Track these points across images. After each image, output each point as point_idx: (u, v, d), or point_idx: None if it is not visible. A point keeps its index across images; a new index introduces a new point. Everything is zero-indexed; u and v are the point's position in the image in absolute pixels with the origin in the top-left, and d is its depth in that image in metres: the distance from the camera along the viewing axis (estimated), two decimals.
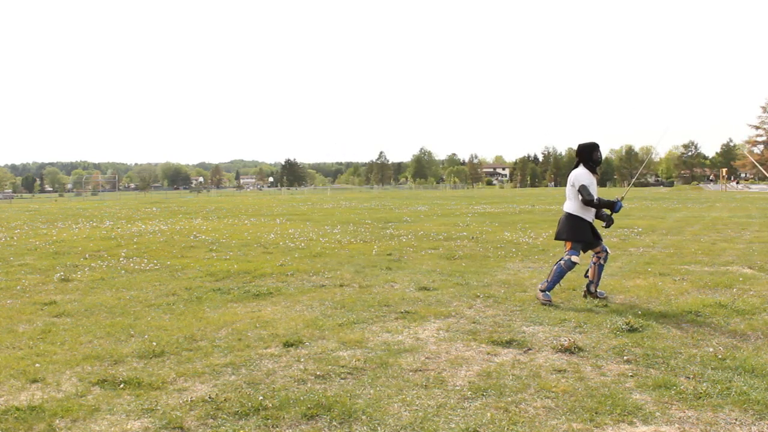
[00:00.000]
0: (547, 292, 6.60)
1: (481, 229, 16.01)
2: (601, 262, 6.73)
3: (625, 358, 4.72)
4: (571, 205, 6.63)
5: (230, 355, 4.88)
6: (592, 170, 6.62)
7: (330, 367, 4.58)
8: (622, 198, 6.84)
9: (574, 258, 6.53)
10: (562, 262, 6.57)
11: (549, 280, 6.60)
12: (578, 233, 6.55)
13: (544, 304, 6.47)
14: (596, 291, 6.80)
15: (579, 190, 6.48)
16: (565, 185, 7.18)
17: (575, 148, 6.83)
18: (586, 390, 4.06)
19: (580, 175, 6.54)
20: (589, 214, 6.61)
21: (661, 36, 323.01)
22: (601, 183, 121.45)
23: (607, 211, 6.83)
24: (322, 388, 4.15)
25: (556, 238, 6.77)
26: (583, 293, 6.90)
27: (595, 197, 6.48)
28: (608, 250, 6.83)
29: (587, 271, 6.83)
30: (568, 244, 6.61)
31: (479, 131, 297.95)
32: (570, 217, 6.60)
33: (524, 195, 52.10)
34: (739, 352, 4.80)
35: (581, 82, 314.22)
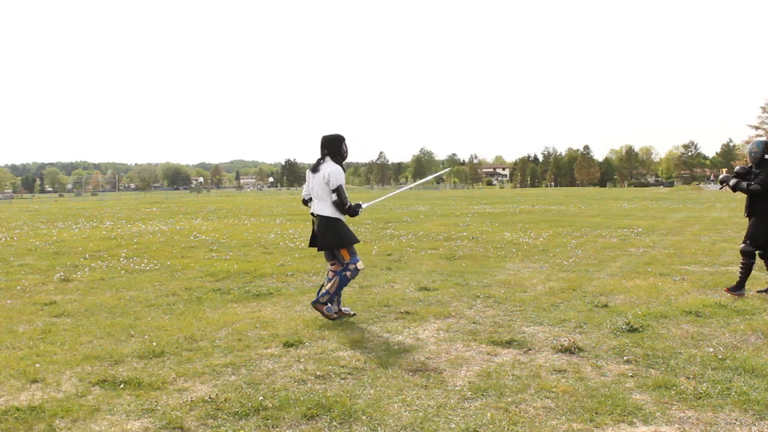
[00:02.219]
0: (329, 305, 5.87)
1: (481, 229, 16.01)
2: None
3: (625, 358, 4.72)
4: (328, 207, 5.85)
5: (230, 355, 4.88)
6: (341, 165, 5.92)
7: (330, 367, 4.58)
8: (363, 205, 6.07)
9: (359, 265, 5.92)
10: (348, 273, 5.84)
11: (331, 291, 5.81)
12: (350, 236, 5.91)
13: (334, 319, 5.84)
14: (341, 309, 6.06)
15: (336, 191, 5.77)
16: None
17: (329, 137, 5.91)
18: (586, 390, 4.06)
19: (337, 173, 5.78)
20: (341, 213, 5.95)
21: (662, 36, 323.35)
22: (601, 183, 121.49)
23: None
24: (322, 388, 4.16)
25: (322, 248, 5.94)
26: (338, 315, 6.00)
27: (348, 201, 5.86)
28: None
29: (321, 286, 6.04)
30: (344, 252, 5.88)
31: (479, 131, 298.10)
32: (332, 222, 5.85)
33: (524, 195, 52.10)
34: (739, 352, 4.80)
35: (581, 82, 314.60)
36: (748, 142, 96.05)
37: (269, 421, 3.63)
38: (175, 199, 59.03)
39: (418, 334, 5.48)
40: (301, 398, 3.94)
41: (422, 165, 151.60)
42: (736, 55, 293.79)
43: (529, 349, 4.99)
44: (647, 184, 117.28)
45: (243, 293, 7.37)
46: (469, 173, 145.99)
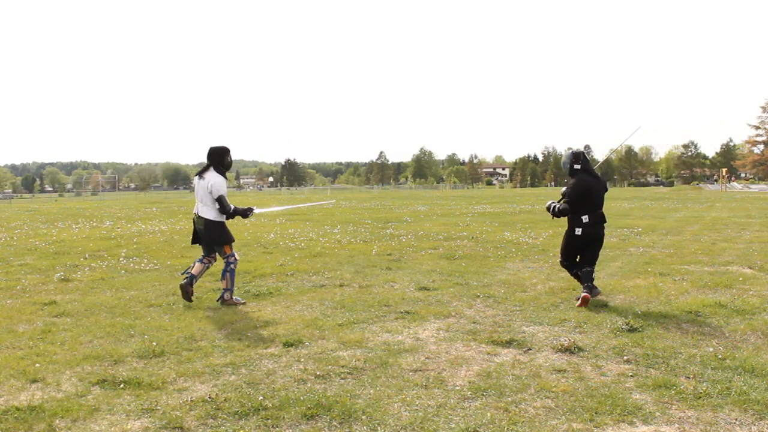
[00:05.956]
0: (236, 297, 6.89)
1: (481, 229, 16.01)
2: (208, 265, 7.00)
3: (625, 358, 4.72)
4: (211, 212, 6.73)
5: (230, 355, 4.88)
6: (224, 175, 6.75)
7: (330, 367, 4.58)
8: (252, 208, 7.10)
9: (237, 256, 6.95)
10: (232, 266, 6.78)
11: (229, 287, 6.78)
12: (228, 235, 6.83)
13: (243, 304, 6.76)
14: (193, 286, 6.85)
15: (218, 200, 6.62)
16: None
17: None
18: (586, 390, 4.06)
19: (219, 183, 6.62)
20: (224, 217, 6.82)
21: (661, 36, 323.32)
22: None
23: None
24: (322, 388, 4.16)
25: (207, 246, 6.91)
26: (187, 294, 6.73)
27: (232, 206, 6.75)
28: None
29: (190, 268, 6.92)
30: (227, 248, 6.81)
31: (479, 131, 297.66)
32: (215, 224, 6.74)
33: (524, 195, 52.10)
34: (739, 352, 4.81)
35: (581, 82, 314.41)
36: (748, 142, 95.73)
37: (269, 420, 3.64)
38: (175, 199, 59.00)
39: (418, 334, 5.48)
40: (301, 398, 3.94)
41: (422, 165, 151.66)
42: (736, 54, 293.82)
43: (529, 349, 4.99)
44: (647, 184, 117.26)
45: (243, 293, 7.37)
46: (469, 173, 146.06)
